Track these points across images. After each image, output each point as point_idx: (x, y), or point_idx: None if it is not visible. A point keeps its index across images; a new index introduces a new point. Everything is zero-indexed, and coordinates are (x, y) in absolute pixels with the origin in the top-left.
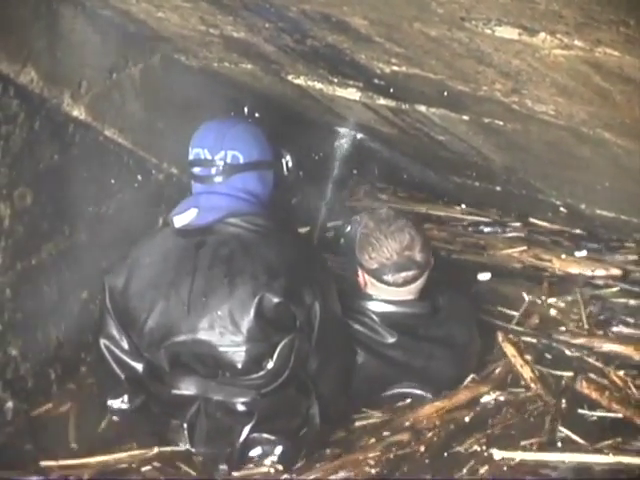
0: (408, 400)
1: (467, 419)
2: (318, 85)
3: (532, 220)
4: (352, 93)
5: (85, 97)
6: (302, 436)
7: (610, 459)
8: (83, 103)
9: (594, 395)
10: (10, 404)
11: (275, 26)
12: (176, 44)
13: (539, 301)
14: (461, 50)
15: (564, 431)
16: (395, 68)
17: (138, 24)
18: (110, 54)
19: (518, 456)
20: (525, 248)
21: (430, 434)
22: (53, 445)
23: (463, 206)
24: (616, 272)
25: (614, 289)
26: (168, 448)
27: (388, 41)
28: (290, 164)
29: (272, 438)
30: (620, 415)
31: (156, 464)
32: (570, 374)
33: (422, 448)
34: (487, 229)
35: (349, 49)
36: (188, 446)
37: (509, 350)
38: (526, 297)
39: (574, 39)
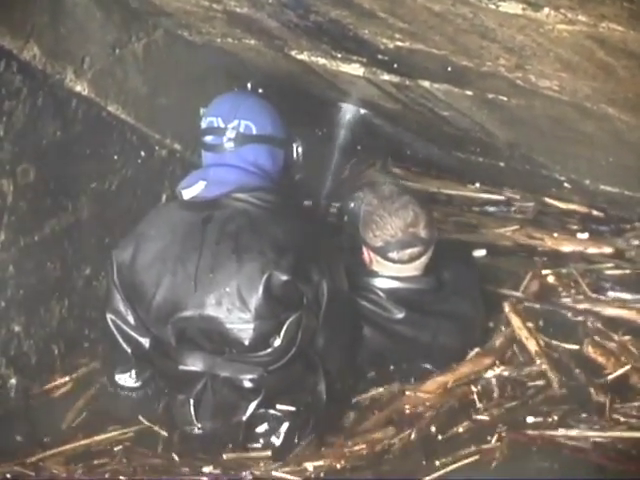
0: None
1: (470, 396)
2: (321, 61)
3: (547, 200)
4: (356, 69)
5: (88, 73)
6: (309, 412)
7: (622, 434)
8: (86, 79)
9: (600, 359)
10: (13, 380)
11: (278, 1)
12: (179, 20)
13: (535, 272)
14: (465, 25)
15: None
16: (399, 43)
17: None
18: (113, 30)
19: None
20: (517, 227)
21: (429, 413)
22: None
23: (477, 185)
24: (608, 250)
25: (607, 264)
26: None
27: (392, 16)
28: (300, 150)
29: (278, 414)
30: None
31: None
32: (576, 347)
33: (421, 428)
34: (492, 208)
35: (352, 24)
36: (194, 421)
37: (515, 322)
38: (522, 270)
39: (578, 14)
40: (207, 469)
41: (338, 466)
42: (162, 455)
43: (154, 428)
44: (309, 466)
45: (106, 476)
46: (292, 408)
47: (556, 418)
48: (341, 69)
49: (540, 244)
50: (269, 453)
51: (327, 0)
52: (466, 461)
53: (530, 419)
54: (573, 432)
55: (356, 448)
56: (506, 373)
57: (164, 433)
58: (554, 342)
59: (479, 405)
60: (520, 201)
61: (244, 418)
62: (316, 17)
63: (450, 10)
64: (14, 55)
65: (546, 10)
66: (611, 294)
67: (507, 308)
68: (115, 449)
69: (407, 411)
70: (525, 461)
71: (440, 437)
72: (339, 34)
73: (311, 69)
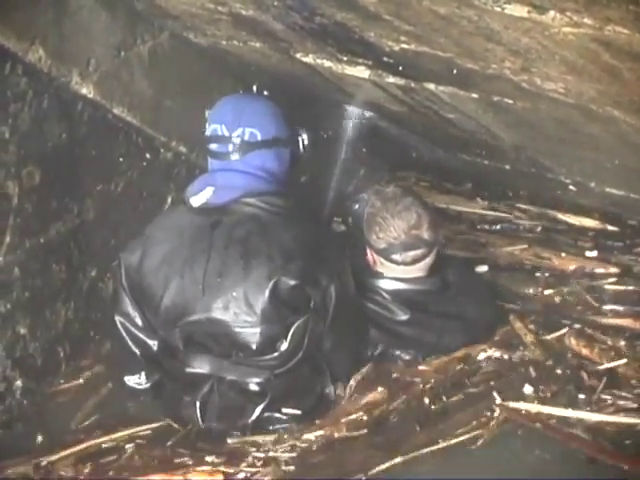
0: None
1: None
2: (327, 63)
3: (559, 215)
4: (361, 71)
5: (93, 75)
6: (316, 415)
7: (609, 418)
8: (91, 81)
9: (584, 351)
10: (19, 382)
11: (284, 4)
12: (184, 22)
13: (539, 290)
14: (470, 28)
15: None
16: (404, 46)
17: (146, 2)
18: (118, 32)
19: (520, 406)
20: (526, 246)
21: (421, 387)
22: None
23: (486, 202)
24: (614, 270)
25: (611, 280)
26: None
27: (397, 19)
28: (306, 142)
29: (284, 418)
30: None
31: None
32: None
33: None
34: (501, 226)
35: (358, 27)
36: (200, 423)
37: (517, 324)
38: (526, 288)
39: (583, 17)
40: (210, 458)
41: (336, 435)
42: (169, 450)
43: (166, 424)
44: (310, 436)
45: (110, 473)
46: (298, 412)
47: (549, 395)
48: (346, 72)
49: (547, 264)
50: (272, 437)
51: (332, 3)
52: (461, 431)
53: (527, 389)
54: (563, 412)
55: (353, 417)
56: (497, 354)
57: (176, 426)
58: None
59: (472, 380)
60: (529, 218)
61: (250, 421)
62: (321, 20)
63: (455, 13)
64: (19, 57)
65: (552, 13)
66: (611, 308)
67: (511, 316)
68: (126, 446)
69: (401, 378)
70: (511, 449)
71: (433, 407)
72: (344, 37)
73: (316, 72)
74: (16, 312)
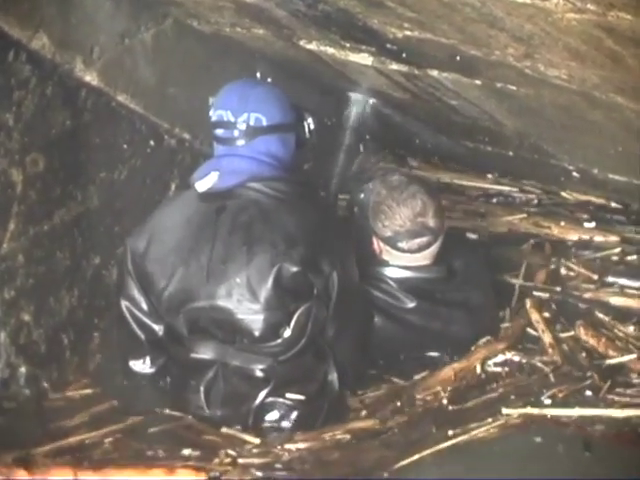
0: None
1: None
2: (330, 50)
3: (562, 193)
4: (364, 58)
5: (97, 62)
6: (320, 401)
7: (619, 413)
8: (95, 68)
9: (592, 341)
10: (23, 369)
11: None
12: (188, 9)
13: (543, 261)
14: (473, 14)
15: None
16: (407, 33)
17: None
18: (122, 19)
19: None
20: (525, 216)
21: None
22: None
23: (494, 175)
24: (614, 238)
25: (614, 250)
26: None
27: (400, 5)
28: (312, 127)
29: (288, 403)
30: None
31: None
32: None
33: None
34: (501, 198)
35: (361, 14)
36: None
37: (534, 315)
38: (528, 258)
39: (587, 3)
40: (187, 451)
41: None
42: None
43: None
44: (326, 436)
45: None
46: (301, 397)
47: (560, 396)
48: (350, 59)
49: (547, 232)
50: (256, 439)
51: None
52: (476, 432)
53: (546, 399)
54: (572, 412)
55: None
56: (517, 358)
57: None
58: (561, 333)
59: (486, 387)
60: (532, 192)
61: (253, 406)
62: (325, 6)
63: None
64: (23, 45)
65: None
66: (616, 281)
67: (528, 304)
68: (105, 440)
69: (419, 396)
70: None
71: (450, 408)
72: (348, 24)
73: (320, 59)
74: (20, 299)
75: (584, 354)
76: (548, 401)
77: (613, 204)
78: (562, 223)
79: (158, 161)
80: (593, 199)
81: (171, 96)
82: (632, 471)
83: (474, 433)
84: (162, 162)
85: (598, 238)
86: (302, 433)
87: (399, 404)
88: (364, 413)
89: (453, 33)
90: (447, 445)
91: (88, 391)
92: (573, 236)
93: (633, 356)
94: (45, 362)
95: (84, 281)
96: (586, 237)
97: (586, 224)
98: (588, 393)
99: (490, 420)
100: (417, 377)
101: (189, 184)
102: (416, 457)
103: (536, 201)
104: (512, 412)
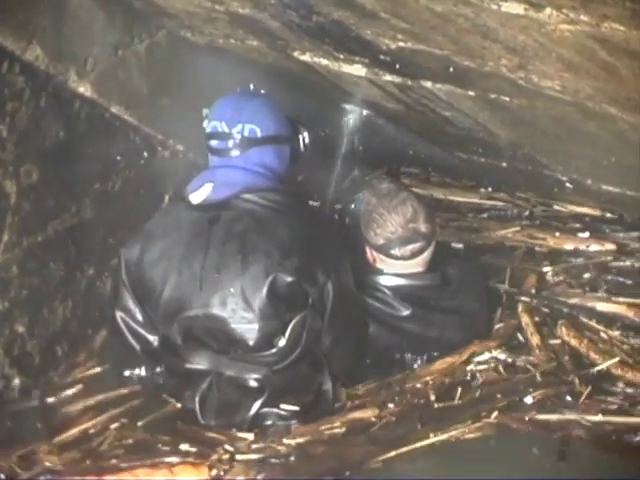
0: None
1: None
2: (324, 61)
3: (556, 205)
4: (358, 69)
5: (91, 74)
6: (315, 412)
7: (596, 418)
8: (89, 80)
9: (573, 342)
10: (17, 381)
11: (280, 2)
12: (182, 20)
13: (534, 268)
14: (467, 25)
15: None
16: (401, 44)
17: (144, 1)
18: (116, 31)
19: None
20: (518, 229)
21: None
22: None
23: (486, 189)
24: (611, 247)
25: (607, 258)
26: None
27: (394, 17)
28: (307, 139)
29: (283, 413)
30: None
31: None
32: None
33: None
34: (494, 212)
35: (355, 25)
36: (199, 418)
37: (524, 319)
38: (519, 266)
39: (580, 14)
40: (184, 446)
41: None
42: (149, 435)
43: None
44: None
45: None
46: (296, 408)
47: (542, 398)
48: (343, 70)
49: (542, 243)
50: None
51: (329, 1)
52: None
53: (528, 399)
54: (553, 416)
55: (351, 416)
56: (504, 357)
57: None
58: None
59: (474, 383)
60: (525, 205)
61: (248, 416)
62: (318, 18)
63: (452, 10)
64: (17, 56)
65: (548, 10)
66: (607, 289)
67: (520, 307)
68: (110, 427)
69: (407, 385)
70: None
71: (436, 406)
72: (341, 35)
73: (313, 70)
74: (14, 310)
75: (567, 357)
76: (530, 401)
77: (608, 215)
78: (557, 234)
79: (152, 172)
80: (587, 210)
81: (165, 107)
82: (606, 475)
83: (454, 433)
84: (156, 173)
85: (595, 247)
86: (298, 426)
87: (388, 398)
88: (357, 403)
89: (447, 44)
90: (427, 443)
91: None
92: (569, 245)
93: (616, 359)
94: (39, 373)
95: (78, 292)
96: (582, 246)
97: (580, 234)
98: (568, 398)
99: (470, 421)
100: (407, 371)
101: (183, 195)
102: (393, 454)
103: (529, 213)
104: (493, 414)
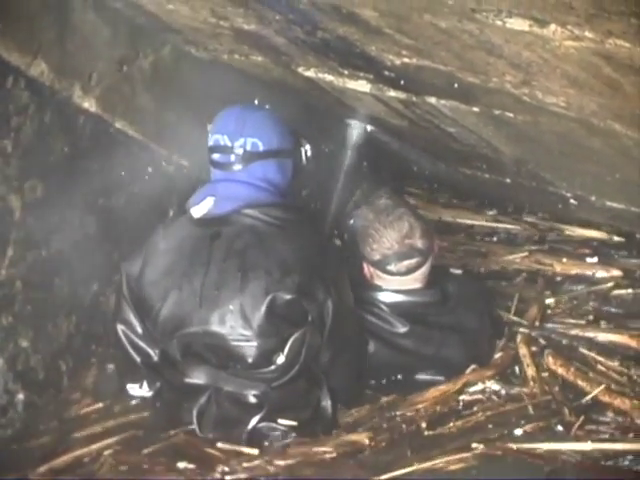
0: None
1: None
2: (328, 77)
3: (564, 227)
4: (362, 85)
5: (95, 89)
6: (313, 428)
7: (587, 446)
8: (93, 95)
9: (560, 371)
10: (21, 396)
11: (285, 18)
12: (186, 36)
13: (537, 296)
14: (471, 42)
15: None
16: (405, 60)
17: (148, 16)
18: (120, 46)
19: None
20: (526, 254)
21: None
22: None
23: (489, 214)
24: (617, 273)
25: (611, 284)
26: None
27: (398, 33)
28: (309, 153)
29: (281, 428)
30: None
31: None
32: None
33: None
34: (502, 236)
35: (359, 41)
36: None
37: (522, 350)
38: (524, 293)
39: (585, 30)
40: (182, 465)
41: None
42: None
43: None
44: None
45: None
46: (294, 423)
47: (533, 429)
48: (348, 86)
49: (548, 269)
50: (255, 451)
51: (334, 17)
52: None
53: (518, 431)
54: (543, 445)
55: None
56: (498, 388)
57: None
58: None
59: (464, 413)
60: (533, 230)
61: (246, 432)
62: (323, 34)
63: (457, 26)
64: (22, 71)
65: (553, 27)
66: (609, 318)
67: (519, 338)
68: (104, 453)
69: (399, 413)
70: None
71: (426, 434)
72: (346, 51)
73: (318, 86)
74: (18, 325)
75: (557, 388)
76: (520, 432)
77: (615, 238)
78: (564, 260)
79: (156, 187)
80: (596, 234)
81: (169, 123)
82: None
83: (438, 461)
84: (160, 188)
85: (601, 273)
86: (293, 447)
87: (380, 423)
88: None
89: (451, 60)
90: (411, 470)
91: (86, 410)
92: (575, 271)
93: (602, 387)
94: (43, 388)
95: (82, 308)
96: (589, 273)
97: (588, 259)
98: (559, 428)
99: (459, 450)
100: (401, 396)
101: (185, 209)
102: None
103: (538, 238)
104: (482, 444)
